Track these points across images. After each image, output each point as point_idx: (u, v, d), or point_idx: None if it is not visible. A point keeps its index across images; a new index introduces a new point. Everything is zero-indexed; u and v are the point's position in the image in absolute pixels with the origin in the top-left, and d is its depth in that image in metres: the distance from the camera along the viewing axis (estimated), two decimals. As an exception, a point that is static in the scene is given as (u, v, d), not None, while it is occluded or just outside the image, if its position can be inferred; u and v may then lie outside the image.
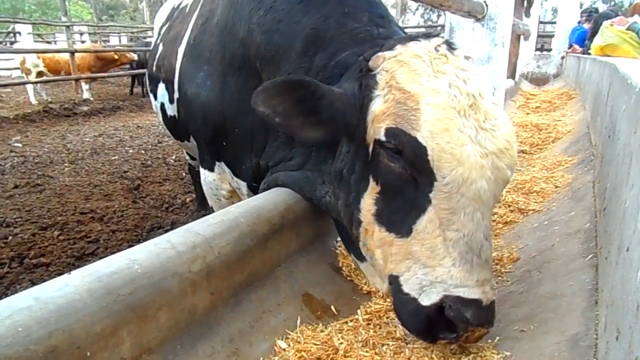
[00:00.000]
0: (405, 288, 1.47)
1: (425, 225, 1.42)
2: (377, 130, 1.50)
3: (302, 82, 1.58)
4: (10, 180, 6.03)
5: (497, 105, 1.50)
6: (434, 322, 1.41)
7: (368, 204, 1.58)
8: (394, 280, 1.52)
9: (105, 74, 14.76)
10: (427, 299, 1.40)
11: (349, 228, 1.75)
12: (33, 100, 12.98)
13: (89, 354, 1.14)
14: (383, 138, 1.47)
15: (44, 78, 13.37)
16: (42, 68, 13.40)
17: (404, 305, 1.47)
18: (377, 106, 1.51)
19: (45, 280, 1.23)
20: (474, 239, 1.38)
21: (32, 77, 13.19)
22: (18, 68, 17.70)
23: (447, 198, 1.38)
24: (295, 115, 1.59)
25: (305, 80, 1.59)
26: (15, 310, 1.06)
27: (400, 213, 1.49)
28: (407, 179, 1.46)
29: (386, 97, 1.49)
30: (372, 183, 1.56)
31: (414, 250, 1.45)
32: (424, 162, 1.37)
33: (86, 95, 13.83)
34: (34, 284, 3.27)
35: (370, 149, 1.56)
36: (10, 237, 4.27)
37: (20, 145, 8.13)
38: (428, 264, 1.42)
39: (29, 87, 13.25)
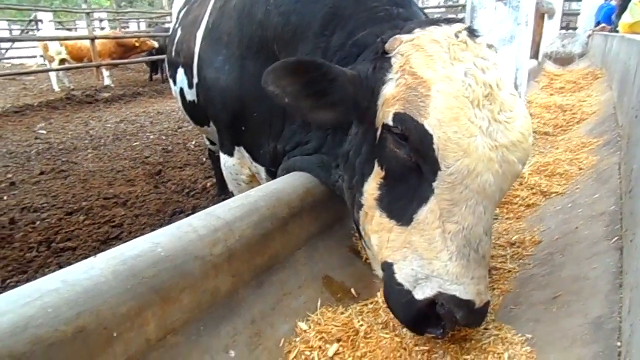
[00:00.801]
0: (399, 278, 1.46)
1: (426, 215, 1.40)
2: (386, 114, 1.48)
3: (314, 63, 1.56)
4: (36, 167, 6.17)
5: (515, 96, 1.45)
6: (424, 316, 1.42)
7: (372, 188, 1.57)
8: (387, 268, 1.52)
9: (126, 61, 14.88)
10: (421, 293, 1.40)
11: (351, 211, 1.74)
12: (56, 88, 13.19)
13: (115, 334, 1.17)
14: (391, 123, 1.45)
15: (66, 65, 13.55)
16: (65, 55, 13.58)
17: (397, 296, 1.47)
18: (388, 90, 1.49)
19: (72, 264, 1.26)
20: (473, 233, 1.36)
21: (56, 65, 13.38)
22: (42, 56, 18.01)
23: (450, 189, 1.35)
24: (305, 96, 1.56)
25: (318, 62, 1.57)
26: (45, 292, 1.09)
27: (403, 201, 1.48)
28: (412, 166, 1.44)
29: (398, 81, 1.46)
30: (377, 168, 1.55)
31: (413, 240, 1.44)
32: (430, 151, 1.35)
33: (107, 82, 13.99)
34: (61, 267, 3.37)
35: (379, 133, 1.54)
36: (38, 222, 4.39)
37: (45, 132, 8.30)
38: (425, 256, 1.41)
39: (52, 74, 13.45)
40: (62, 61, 13.58)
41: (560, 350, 1.34)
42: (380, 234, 1.55)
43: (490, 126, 1.35)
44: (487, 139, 1.33)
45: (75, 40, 13.88)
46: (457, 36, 1.47)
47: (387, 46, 1.54)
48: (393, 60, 1.50)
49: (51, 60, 13.52)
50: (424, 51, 1.44)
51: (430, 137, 1.33)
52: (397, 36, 1.53)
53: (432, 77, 1.38)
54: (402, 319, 1.51)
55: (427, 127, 1.34)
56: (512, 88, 1.48)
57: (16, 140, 7.61)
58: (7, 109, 10.05)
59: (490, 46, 1.52)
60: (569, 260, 1.84)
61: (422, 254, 1.42)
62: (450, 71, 1.39)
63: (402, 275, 1.46)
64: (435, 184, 1.37)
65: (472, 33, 1.50)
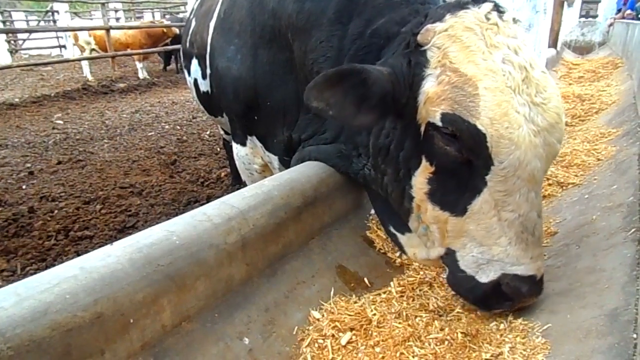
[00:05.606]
0: (462, 265, 1.53)
1: (481, 205, 1.44)
2: (431, 113, 1.47)
3: (352, 70, 1.53)
4: (53, 157, 6.26)
5: (546, 74, 1.46)
6: (490, 295, 1.49)
7: (420, 182, 1.58)
8: (450, 254, 1.57)
9: (141, 51, 14.89)
10: (485, 277, 1.48)
11: (397, 202, 1.74)
12: (89, 77, 13.22)
13: (132, 320, 1.19)
14: (439, 123, 1.45)
15: (82, 56, 13.67)
16: (94, 46, 13.72)
17: (462, 282, 1.55)
18: (429, 87, 1.47)
19: (89, 252, 1.28)
20: (528, 218, 1.42)
21: (87, 54, 13.57)
22: (56, 47, 18.12)
23: (503, 181, 1.39)
24: (347, 104, 1.53)
25: (356, 67, 1.54)
26: (63, 279, 1.12)
27: (455, 193, 1.50)
28: (462, 161, 1.45)
29: (440, 78, 1.44)
30: (425, 163, 1.55)
31: (470, 229, 1.49)
32: (483, 148, 1.37)
33: (142, 74, 13.90)
34: (79, 255, 3.41)
35: (422, 129, 1.53)
36: (56, 211, 4.45)
37: (61, 122, 8.40)
38: (484, 242, 1.47)
39: (84, 65, 13.60)
40: (92, 51, 13.73)
41: (575, 341, 1.33)
42: (437, 225, 1.58)
43: (530, 111, 1.38)
44: (531, 125, 1.37)
45: (89, 30, 13.96)
46: (487, 18, 1.46)
47: (419, 38, 1.52)
48: (429, 54, 1.49)
49: (82, 49, 13.69)
50: (461, 42, 1.44)
51: (484, 135, 1.35)
52: (429, 26, 1.50)
53: (475, 72, 1.38)
54: (472, 301, 1.59)
55: (479, 126, 1.35)
56: (542, 64, 1.48)
57: (34, 130, 7.72)
58: (25, 99, 10.21)
59: (515, 21, 1.52)
60: (585, 252, 1.82)
61: (480, 241, 1.48)
62: (490, 62, 1.40)
63: (464, 262, 1.53)
64: (488, 177, 1.41)
65: (499, 11, 1.49)
